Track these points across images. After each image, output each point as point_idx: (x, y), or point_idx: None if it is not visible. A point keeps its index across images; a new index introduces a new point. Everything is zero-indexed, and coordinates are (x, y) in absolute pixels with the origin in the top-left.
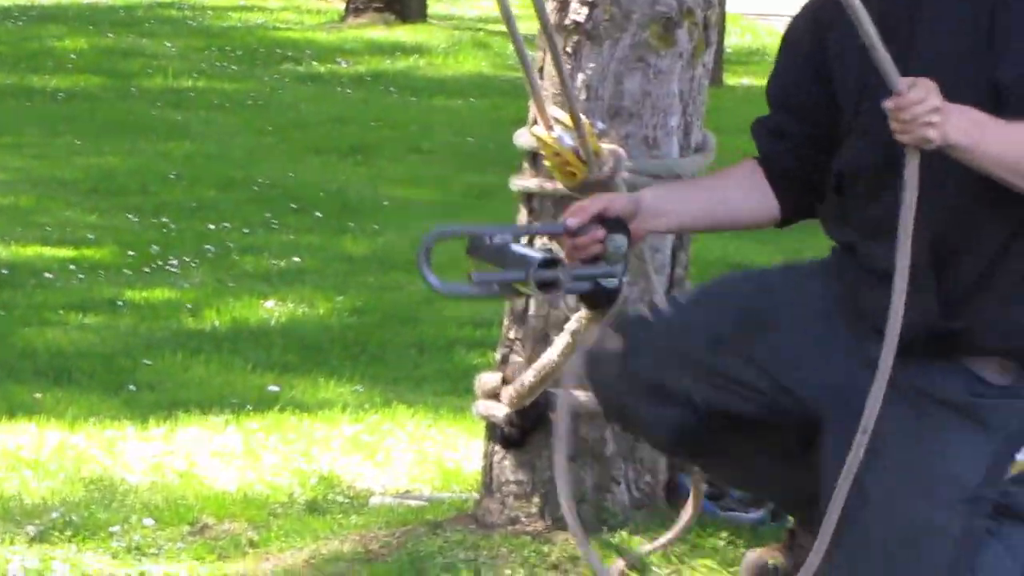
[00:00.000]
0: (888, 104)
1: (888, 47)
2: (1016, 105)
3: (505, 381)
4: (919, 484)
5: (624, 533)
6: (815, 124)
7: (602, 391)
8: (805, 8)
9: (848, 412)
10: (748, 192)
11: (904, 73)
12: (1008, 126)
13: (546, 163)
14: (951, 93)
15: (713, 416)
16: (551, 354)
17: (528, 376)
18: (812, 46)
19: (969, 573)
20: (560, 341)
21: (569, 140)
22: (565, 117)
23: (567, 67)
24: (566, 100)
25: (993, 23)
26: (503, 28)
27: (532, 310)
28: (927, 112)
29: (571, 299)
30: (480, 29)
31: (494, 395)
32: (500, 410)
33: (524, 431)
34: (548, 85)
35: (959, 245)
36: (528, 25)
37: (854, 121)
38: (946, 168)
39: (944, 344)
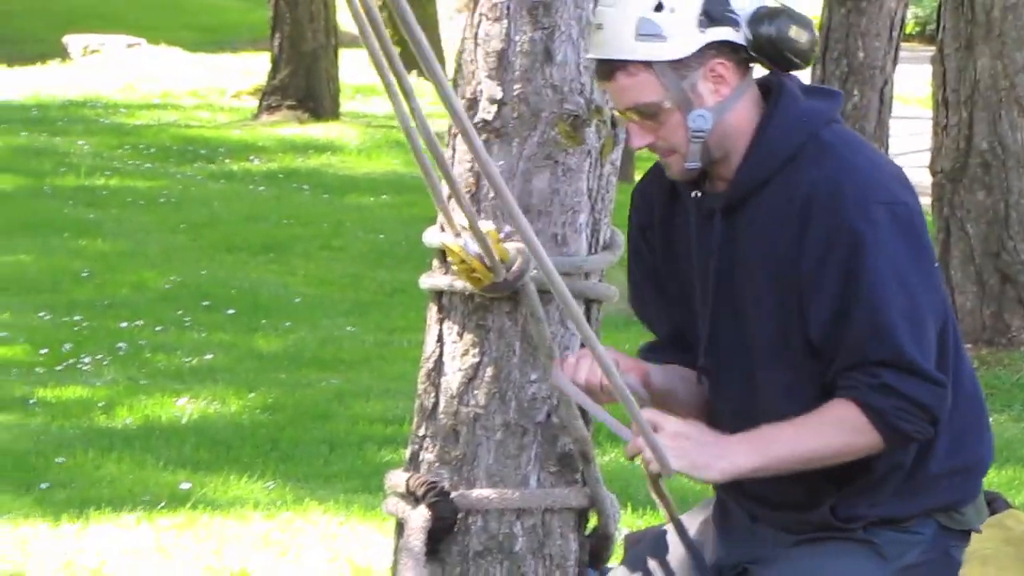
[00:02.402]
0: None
1: (700, 282)
2: (826, 359)
3: (410, 489)
4: None
5: None
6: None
7: None
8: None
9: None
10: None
11: (731, 335)
12: (781, 431)
13: (453, 268)
14: (777, 353)
15: None
16: None
17: None
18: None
19: None
20: None
21: (474, 247)
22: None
23: (471, 167)
24: (472, 207)
25: (799, 269)
26: (413, 125)
27: (440, 407)
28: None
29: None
30: (393, 127)
31: (404, 494)
32: (412, 516)
33: (434, 538)
34: (461, 185)
35: None
36: (438, 123)
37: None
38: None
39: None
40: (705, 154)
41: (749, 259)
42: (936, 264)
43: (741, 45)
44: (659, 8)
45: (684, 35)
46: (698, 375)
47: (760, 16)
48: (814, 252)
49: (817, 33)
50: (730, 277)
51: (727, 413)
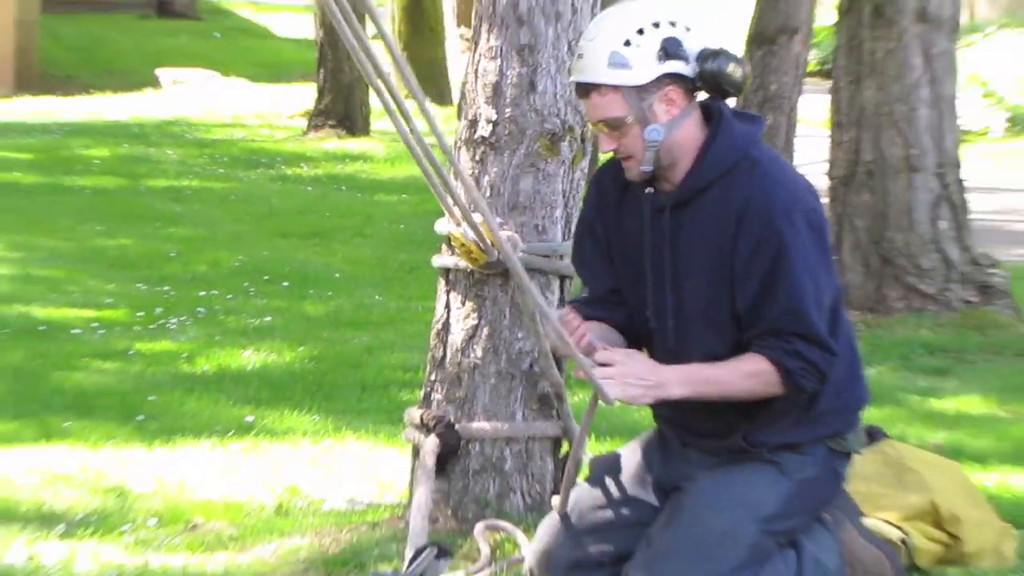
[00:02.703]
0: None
1: (651, 265)
2: (747, 325)
3: (423, 421)
4: (727, 500)
5: (520, 529)
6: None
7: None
8: (591, 198)
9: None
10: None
11: (663, 291)
12: (709, 370)
13: (457, 251)
14: (708, 317)
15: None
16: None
17: None
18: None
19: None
20: None
21: (472, 234)
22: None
23: (474, 172)
24: (472, 205)
25: (733, 258)
26: (430, 141)
27: (447, 359)
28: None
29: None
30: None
31: (419, 425)
32: (426, 443)
33: (442, 460)
34: (460, 188)
35: None
36: (446, 139)
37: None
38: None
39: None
40: (656, 160)
41: (690, 247)
42: (833, 256)
43: (690, 77)
44: (627, 44)
45: (646, 66)
46: (632, 330)
47: (705, 55)
48: (748, 247)
49: (749, 68)
50: (674, 259)
51: (663, 359)
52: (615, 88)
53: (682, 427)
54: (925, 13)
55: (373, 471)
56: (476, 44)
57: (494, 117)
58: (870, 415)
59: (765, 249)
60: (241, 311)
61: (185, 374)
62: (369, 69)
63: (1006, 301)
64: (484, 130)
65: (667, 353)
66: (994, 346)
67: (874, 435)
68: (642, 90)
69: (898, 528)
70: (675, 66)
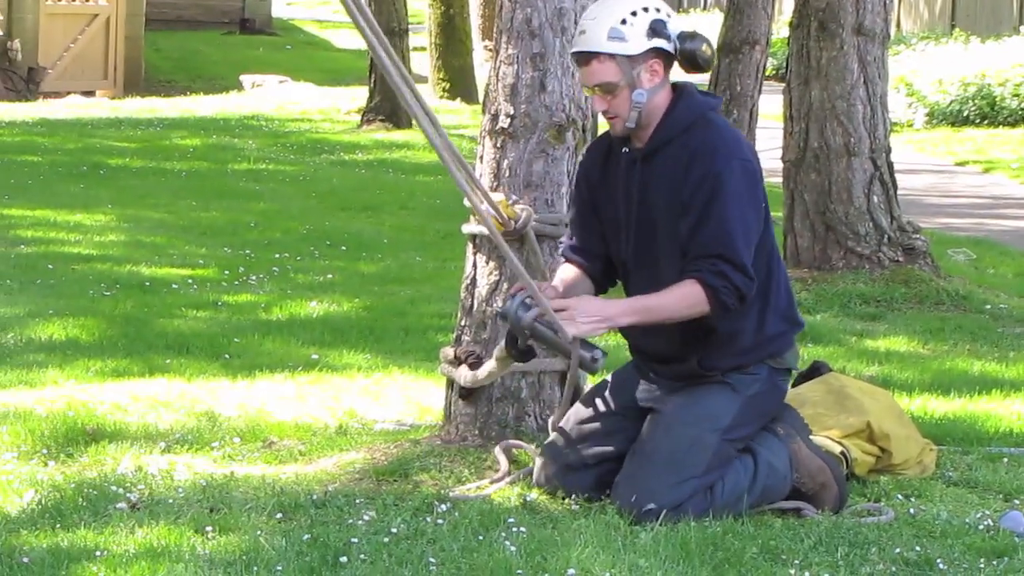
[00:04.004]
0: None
1: (625, 213)
2: (685, 252)
3: (456, 356)
4: (692, 416)
5: (533, 445)
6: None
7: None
8: (579, 169)
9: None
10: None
11: (635, 233)
12: (657, 297)
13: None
14: (670, 251)
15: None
16: (489, 367)
17: (481, 373)
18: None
19: (720, 477)
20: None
21: (491, 210)
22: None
23: (495, 157)
24: (484, 186)
25: (682, 194)
26: (464, 132)
27: (475, 308)
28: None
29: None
30: (449, 134)
31: (452, 360)
32: (457, 374)
33: (470, 391)
34: (487, 170)
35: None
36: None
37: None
38: (661, 265)
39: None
40: (638, 119)
41: (657, 191)
42: (763, 204)
43: (671, 53)
44: (624, 22)
45: (638, 40)
46: (605, 279)
47: (685, 36)
48: (691, 184)
49: (713, 50)
50: (643, 203)
51: (639, 293)
52: (612, 56)
53: (650, 359)
54: (861, 27)
55: (415, 398)
56: (497, 53)
57: (512, 112)
58: (817, 352)
59: (705, 184)
60: (308, 270)
61: (263, 321)
62: (405, 91)
63: (927, 260)
64: (504, 123)
65: (640, 288)
66: (916, 297)
67: (820, 368)
68: (633, 60)
69: (839, 443)
70: (660, 43)
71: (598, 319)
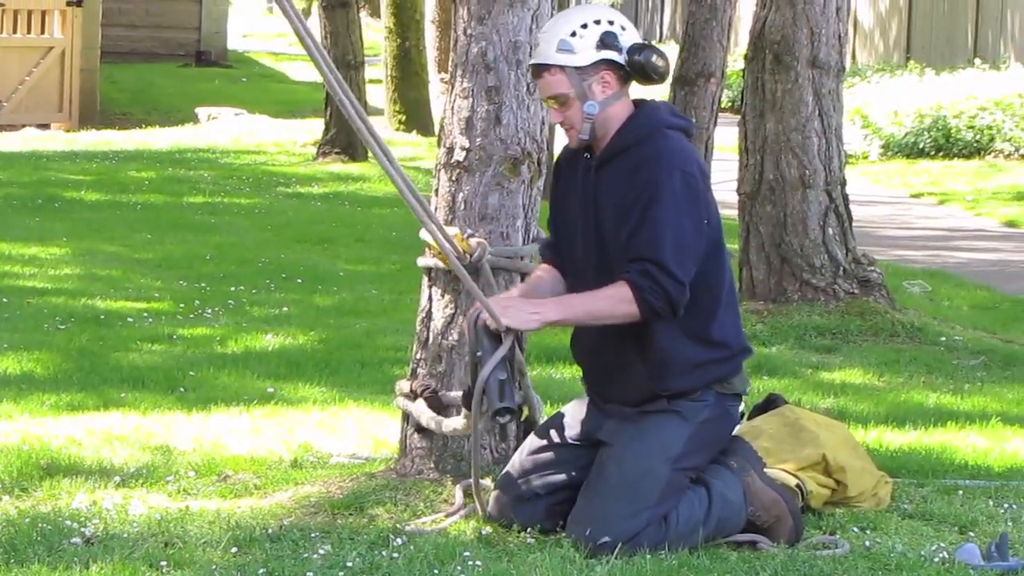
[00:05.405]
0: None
1: (579, 217)
2: (624, 257)
3: (412, 390)
4: (643, 447)
5: (489, 479)
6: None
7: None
8: (555, 166)
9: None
10: (557, 281)
11: (587, 238)
12: (580, 299)
13: (435, 255)
14: (617, 255)
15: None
16: (455, 423)
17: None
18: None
19: (674, 507)
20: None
21: (446, 244)
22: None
23: (451, 190)
24: (440, 220)
25: (625, 203)
26: (420, 165)
27: (430, 341)
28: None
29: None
30: (405, 166)
31: (408, 394)
32: (413, 407)
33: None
34: (442, 204)
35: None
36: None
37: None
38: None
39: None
40: (592, 131)
41: (607, 198)
42: (706, 219)
43: (622, 64)
44: (573, 35)
45: (586, 52)
46: (561, 269)
47: (635, 48)
48: (633, 189)
49: (667, 61)
50: (596, 209)
51: (588, 287)
52: (561, 68)
53: (598, 378)
54: (816, 60)
55: (371, 432)
56: (452, 86)
57: (467, 145)
58: (772, 384)
59: (644, 191)
60: (264, 303)
61: (218, 354)
62: (357, 121)
63: (882, 292)
64: (459, 155)
65: (587, 279)
66: (872, 329)
67: (775, 401)
68: (582, 71)
69: (795, 476)
70: (610, 54)
71: (530, 312)
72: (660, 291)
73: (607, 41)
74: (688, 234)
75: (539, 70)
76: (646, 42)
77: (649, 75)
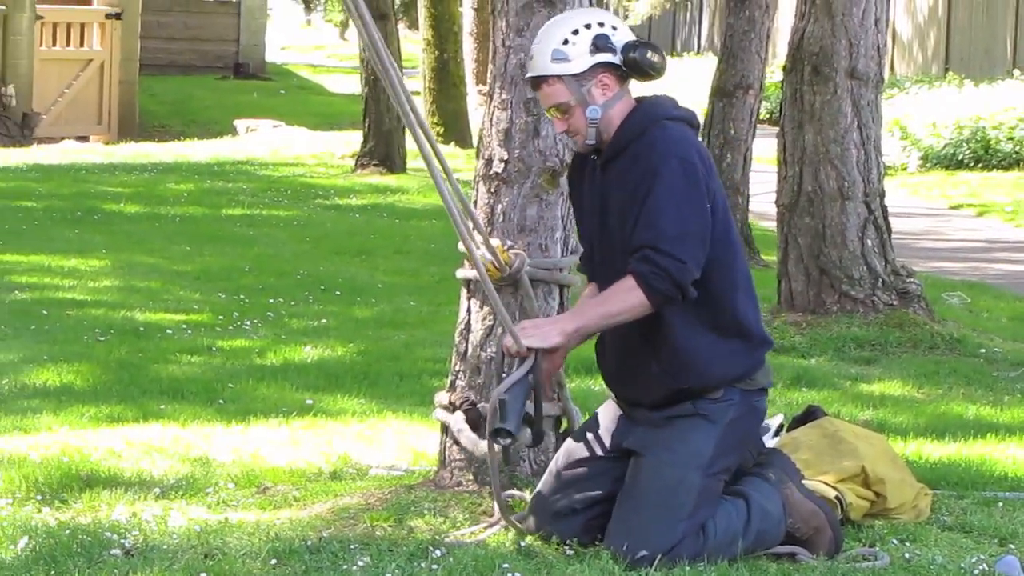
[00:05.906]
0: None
1: (591, 219)
2: (629, 254)
3: (451, 402)
4: (674, 457)
5: (527, 492)
6: None
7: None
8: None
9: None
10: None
11: (601, 240)
12: (595, 303)
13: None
14: (626, 249)
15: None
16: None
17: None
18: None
19: (710, 516)
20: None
21: (488, 255)
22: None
23: (489, 201)
24: (485, 230)
25: (627, 198)
26: (458, 176)
27: (469, 352)
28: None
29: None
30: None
31: (447, 406)
32: (452, 420)
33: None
34: (481, 215)
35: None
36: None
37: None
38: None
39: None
40: (597, 134)
41: (615, 194)
42: (709, 205)
43: (618, 64)
44: (565, 43)
45: (581, 58)
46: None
47: (629, 46)
48: (633, 181)
49: (664, 56)
50: (604, 206)
51: (607, 283)
52: (559, 78)
53: (623, 390)
54: (855, 71)
55: (410, 443)
56: (491, 98)
57: (506, 157)
58: (811, 396)
59: (643, 183)
60: (302, 315)
61: (257, 366)
62: (412, 120)
63: (921, 304)
64: (498, 167)
65: (608, 282)
66: (911, 341)
67: (814, 412)
68: (580, 77)
69: (834, 488)
70: (606, 56)
71: (546, 329)
72: (662, 273)
73: (600, 44)
74: (688, 219)
75: (537, 82)
76: (640, 39)
77: (646, 72)
